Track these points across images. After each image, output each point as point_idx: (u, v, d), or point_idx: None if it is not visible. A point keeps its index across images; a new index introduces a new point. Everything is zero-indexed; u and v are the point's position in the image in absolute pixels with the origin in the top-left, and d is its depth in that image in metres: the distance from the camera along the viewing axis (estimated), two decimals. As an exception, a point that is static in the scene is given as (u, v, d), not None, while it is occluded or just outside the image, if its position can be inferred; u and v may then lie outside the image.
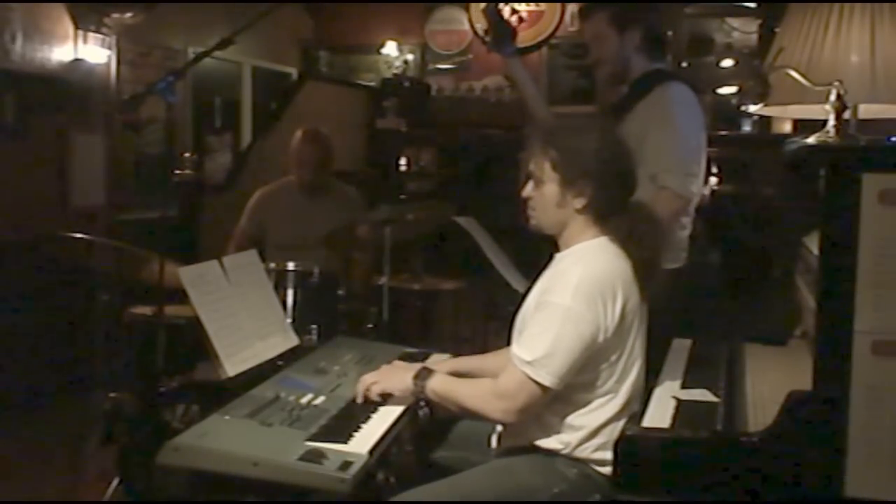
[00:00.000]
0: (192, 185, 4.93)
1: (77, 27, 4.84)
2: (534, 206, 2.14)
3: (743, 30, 6.50)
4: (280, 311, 2.74)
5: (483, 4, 3.02)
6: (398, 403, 2.18)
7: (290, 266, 3.16)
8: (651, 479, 1.80)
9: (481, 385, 2.08)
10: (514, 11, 6.79)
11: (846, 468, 1.66)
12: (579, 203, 2.07)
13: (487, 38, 2.98)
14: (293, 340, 2.68)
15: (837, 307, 1.65)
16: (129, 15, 5.07)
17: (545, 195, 2.10)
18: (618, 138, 2.18)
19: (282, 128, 5.18)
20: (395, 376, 2.20)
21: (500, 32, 2.91)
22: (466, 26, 7.12)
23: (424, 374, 2.14)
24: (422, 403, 2.46)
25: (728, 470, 1.75)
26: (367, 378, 2.22)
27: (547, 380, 1.93)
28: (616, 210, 2.08)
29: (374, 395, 2.18)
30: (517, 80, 2.86)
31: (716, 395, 2.11)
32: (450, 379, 2.16)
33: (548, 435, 2.05)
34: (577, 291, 1.96)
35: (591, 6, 2.90)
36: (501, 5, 3.03)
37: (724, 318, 2.98)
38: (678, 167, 2.64)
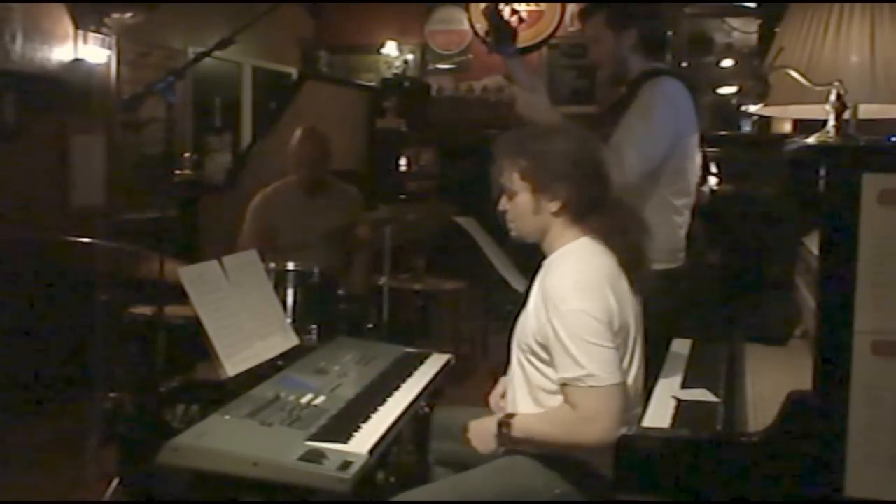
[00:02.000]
0: (192, 185, 4.95)
1: (77, 27, 4.84)
2: (511, 218, 2.15)
3: (743, 30, 6.50)
4: (280, 311, 2.74)
5: (483, 5, 3.02)
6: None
7: (290, 266, 3.16)
8: (651, 479, 1.80)
9: (562, 419, 1.98)
10: (514, 12, 6.79)
11: (846, 468, 1.65)
12: (554, 206, 2.07)
13: (488, 39, 2.98)
14: (293, 340, 2.68)
15: (837, 307, 1.65)
16: (129, 15, 5.07)
17: (519, 205, 2.10)
18: (586, 137, 2.16)
19: (282, 128, 5.18)
20: (484, 438, 2.11)
21: (501, 33, 2.91)
22: (466, 26, 7.12)
23: (505, 430, 2.06)
24: (422, 403, 2.46)
25: (728, 470, 1.75)
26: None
27: (612, 378, 1.91)
28: (594, 208, 2.08)
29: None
30: (518, 82, 2.85)
31: (716, 395, 2.12)
32: (525, 424, 2.05)
33: None
34: (578, 290, 1.96)
35: (590, 8, 2.91)
36: (502, 6, 3.01)
37: (724, 318, 2.97)
38: (641, 148, 2.58)
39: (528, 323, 2.08)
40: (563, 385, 1.95)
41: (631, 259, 2.10)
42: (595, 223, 2.08)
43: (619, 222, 2.10)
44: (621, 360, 2.00)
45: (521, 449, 2.09)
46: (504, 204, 2.15)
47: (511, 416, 2.09)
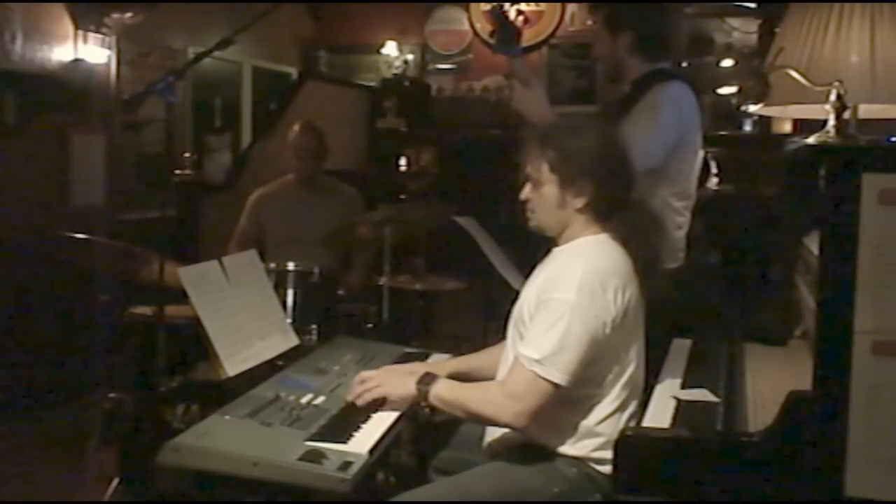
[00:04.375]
0: (192, 185, 4.96)
1: (77, 27, 4.84)
2: (533, 209, 2.14)
3: (743, 30, 6.50)
4: (280, 311, 2.74)
5: (487, 5, 3.03)
6: (393, 409, 2.13)
7: (290, 266, 3.16)
8: (651, 479, 1.80)
9: (489, 389, 2.04)
10: (518, 12, 6.78)
11: (846, 468, 1.66)
12: (580, 202, 2.07)
13: (492, 39, 2.99)
14: (293, 340, 2.68)
15: (837, 307, 1.65)
16: (129, 15, 5.07)
17: (544, 196, 2.09)
18: (614, 136, 2.16)
19: (282, 128, 5.18)
20: (397, 381, 2.15)
21: (506, 33, 2.92)
22: (466, 26, 7.12)
23: (428, 379, 2.10)
24: (423, 403, 2.45)
25: (728, 470, 1.75)
26: (367, 377, 2.17)
27: (557, 377, 1.91)
28: (617, 208, 2.08)
29: (369, 399, 2.13)
30: (520, 80, 2.86)
31: (716, 395, 2.11)
32: (455, 384, 2.10)
33: (546, 434, 2.04)
34: (581, 285, 1.95)
35: (596, 6, 2.92)
36: (507, 6, 3.02)
37: (724, 318, 2.98)
38: (643, 145, 2.57)
39: (526, 306, 2.08)
40: (515, 358, 1.97)
41: (647, 262, 2.09)
42: (616, 223, 2.08)
43: (640, 225, 2.10)
44: (583, 369, 1.97)
45: (435, 407, 2.10)
46: (527, 192, 2.14)
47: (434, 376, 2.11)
